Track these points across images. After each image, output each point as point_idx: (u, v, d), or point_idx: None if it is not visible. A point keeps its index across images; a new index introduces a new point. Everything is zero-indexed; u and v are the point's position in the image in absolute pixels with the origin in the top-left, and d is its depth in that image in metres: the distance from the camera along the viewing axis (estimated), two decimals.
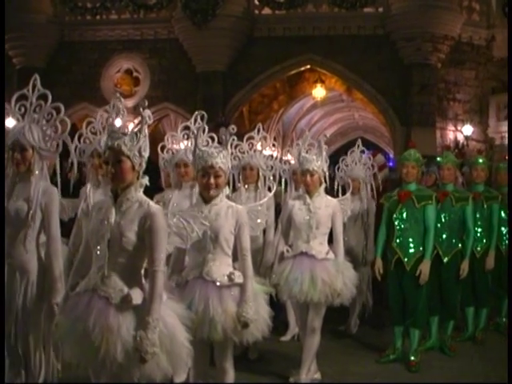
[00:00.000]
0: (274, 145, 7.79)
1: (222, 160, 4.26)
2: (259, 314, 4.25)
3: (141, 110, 3.47)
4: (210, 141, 5.00)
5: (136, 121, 3.57)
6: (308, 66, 20.48)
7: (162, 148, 6.15)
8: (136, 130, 3.47)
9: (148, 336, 3.26)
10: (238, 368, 4.55)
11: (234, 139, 6.03)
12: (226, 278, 4.26)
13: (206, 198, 4.31)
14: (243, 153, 6.41)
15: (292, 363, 5.90)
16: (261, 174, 6.38)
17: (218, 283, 4.23)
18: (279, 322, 7.27)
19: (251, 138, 6.43)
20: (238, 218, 4.30)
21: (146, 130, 3.51)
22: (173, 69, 20.46)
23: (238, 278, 4.28)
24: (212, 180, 4.24)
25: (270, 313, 4.39)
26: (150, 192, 4.15)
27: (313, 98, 22.57)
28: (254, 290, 4.30)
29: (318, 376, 5.78)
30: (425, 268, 6.21)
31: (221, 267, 4.28)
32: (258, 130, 6.50)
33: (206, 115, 4.96)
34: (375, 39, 19.33)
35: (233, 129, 4.73)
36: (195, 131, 4.57)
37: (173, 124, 21.95)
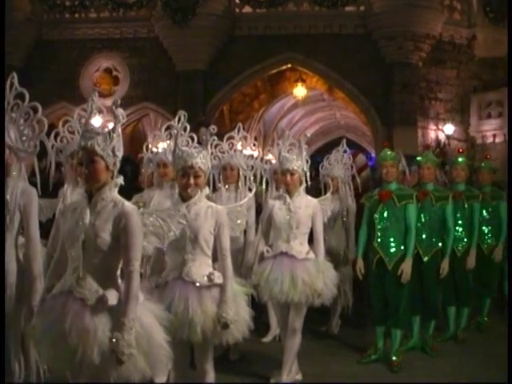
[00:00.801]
0: (254, 144, 7.77)
1: (202, 160, 4.28)
2: (239, 314, 4.26)
3: (113, 108, 3.46)
4: (190, 141, 5.00)
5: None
6: (289, 65, 20.51)
7: (147, 147, 6.17)
8: (109, 129, 3.46)
9: (124, 337, 3.25)
10: (218, 369, 4.55)
11: (214, 139, 6.04)
12: (205, 278, 4.26)
13: (186, 198, 4.32)
14: (223, 153, 6.41)
15: (273, 364, 5.91)
16: (241, 173, 6.38)
17: (197, 284, 4.24)
18: (260, 322, 7.28)
19: (231, 137, 6.43)
20: (217, 218, 4.31)
21: (120, 129, 3.50)
22: (153, 68, 20.39)
23: (218, 278, 4.28)
24: (191, 180, 4.27)
25: (250, 313, 4.39)
26: (128, 192, 4.14)
27: (294, 97, 22.60)
28: (234, 291, 4.30)
29: (299, 377, 5.78)
30: (406, 267, 6.24)
31: (200, 268, 4.29)
32: (239, 130, 6.50)
33: (186, 115, 4.96)
34: (357, 38, 19.40)
35: (213, 129, 4.74)
36: (177, 131, 4.57)
37: (153, 124, 21.90)
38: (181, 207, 4.21)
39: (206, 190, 4.44)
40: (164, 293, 4.19)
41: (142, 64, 20.59)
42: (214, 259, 4.40)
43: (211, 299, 4.22)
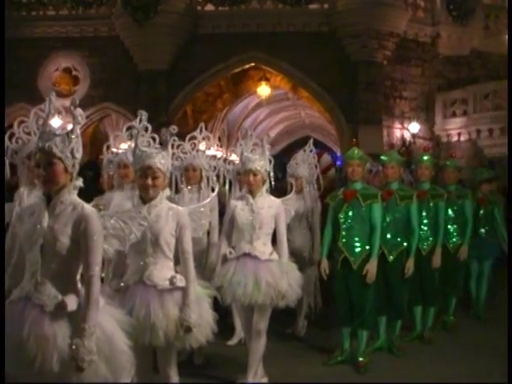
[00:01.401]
0: (218, 144, 7.78)
1: (161, 161, 4.27)
2: (202, 318, 4.25)
3: (72, 108, 3.41)
4: (151, 141, 4.96)
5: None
6: (252, 64, 20.50)
7: (107, 148, 6.10)
8: (68, 130, 3.42)
9: (84, 344, 3.22)
10: (183, 374, 4.54)
11: (174, 139, 6.00)
12: (167, 282, 4.25)
13: (146, 200, 4.30)
14: (186, 153, 6.38)
15: (238, 367, 5.90)
16: (204, 174, 6.35)
17: (159, 288, 4.22)
18: (225, 325, 7.28)
19: (194, 137, 6.41)
20: (178, 219, 4.30)
21: (79, 130, 3.46)
22: (114, 67, 20.21)
23: (180, 281, 4.27)
24: (149, 181, 4.25)
25: (214, 316, 4.39)
26: (90, 194, 4.10)
27: (258, 96, 22.62)
28: (196, 294, 4.30)
29: (265, 380, 5.79)
30: (372, 267, 6.28)
31: (162, 271, 4.28)
32: (201, 130, 6.48)
33: (146, 115, 4.92)
34: (321, 36, 19.47)
35: (173, 129, 4.71)
36: (138, 131, 4.53)
37: (114, 124, 21.73)
38: (141, 209, 4.18)
39: (167, 192, 4.43)
40: (125, 297, 4.17)
41: (102, 63, 20.40)
42: (177, 262, 4.38)
43: (173, 303, 4.20)
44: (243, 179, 5.96)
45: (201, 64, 19.80)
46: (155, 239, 4.25)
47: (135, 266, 4.32)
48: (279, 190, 6.00)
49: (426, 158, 7.57)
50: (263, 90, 21.51)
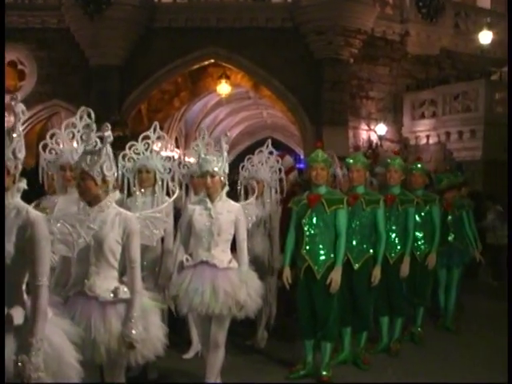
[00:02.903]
0: (173, 145, 7.70)
1: (87, 162, 4.12)
2: (149, 332, 4.15)
3: (12, 104, 3.34)
4: (98, 141, 4.81)
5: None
6: (212, 61, 20.51)
7: (44, 147, 5.92)
8: (8, 128, 3.34)
9: (31, 360, 3.15)
10: None
11: (122, 138, 5.92)
12: (110, 293, 4.15)
13: (92, 204, 4.21)
14: (138, 154, 6.31)
15: (195, 382, 5.86)
16: (158, 177, 6.29)
17: (101, 299, 4.12)
18: (181, 338, 7.25)
19: (147, 137, 6.34)
20: (126, 225, 4.19)
21: (21, 128, 3.39)
22: (63, 62, 20.02)
23: (124, 293, 4.17)
24: (81, 183, 4.16)
25: (165, 330, 4.31)
26: (30, 197, 4.01)
27: (217, 94, 22.63)
28: (144, 306, 4.19)
29: None
30: (336, 276, 6.26)
31: (105, 281, 4.18)
32: (155, 129, 6.41)
33: (89, 112, 4.81)
34: (284, 32, 19.56)
35: (107, 126, 4.44)
36: (81, 130, 4.43)
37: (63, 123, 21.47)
38: (88, 216, 4.11)
39: (116, 195, 4.33)
40: (65, 309, 3.98)
41: (51, 58, 20.19)
42: (124, 272, 4.31)
43: (116, 316, 4.10)
44: (200, 182, 5.92)
45: (157, 60, 19.73)
46: (99, 247, 4.13)
47: (77, 275, 4.22)
48: (229, 194, 5.92)
49: (396, 161, 7.61)
50: (223, 88, 21.52)
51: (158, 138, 6.34)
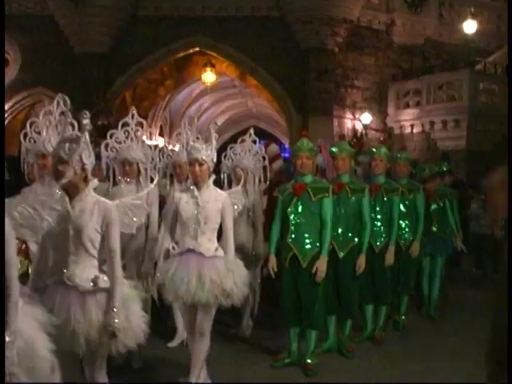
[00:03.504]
0: (152, 132, 7.63)
1: (65, 150, 4.03)
2: (130, 321, 4.11)
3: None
4: (71, 128, 4.69)
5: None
6: (197, 49, 20.44)
7: (25, 136, 5.86)
8: None
9: (5, 354, 3.08)
10: (120, 378, 4.50)
11: (107, 126, 5.86)
12: (89, 282, 4.10)
13: (70, 193, 4.13)
14: (120, 143, 6.24)
15: (180, 370, 5.84)
16: (141, 167, 6.24)
17: (80, 289, 4.08)
18: (166, 326, 7.25)
19: (126, 124, 6.25)
20: (105, 214, 4.11)
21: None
22: (47, 49, 19.89)
23: (104, 282, 4.12)
24: (59, 172, 4.05)
25: (145, 318, 4.27)
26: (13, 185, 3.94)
27: (203, 83, 22.55)
28: (124, 296, 4.15)
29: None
30: (321, 264, 6.28)
31: (84, 271, 4.12)
32: (133, 116, 6.26)
33: (67, 99, 4.70)
34: (270, 21, 19.52)
35: (85, 113, 4.35)
36: (57, 117, 4.32)
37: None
38: (63, 202, 4.04)
39: (95, 184, 4.20)
40: (43, 299, 3.95)
41: (34, 45, 20.03)
42: (105, 260, 4.22)
43: (96, 306, 4.06)
44: (188, 170, 5.85)
45: (142, 48, 19.66)
46: (77, 236, 4.07)
47: (56, 264, 4.15)
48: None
49: (382, 150, 7.63)
50: (208, 77, 21.47)
51: (138, 124, 6.26)
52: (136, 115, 6.27)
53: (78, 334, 3.94)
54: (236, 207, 6.09)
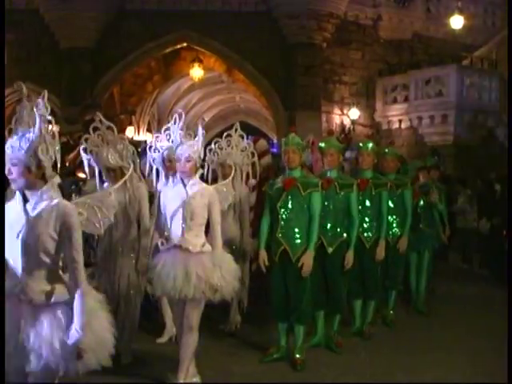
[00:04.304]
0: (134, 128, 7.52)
1: (20, 149, 3.67)
2: (96, 337, 3.69)
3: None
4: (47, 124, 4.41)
5: None
6: (185, 44, 20.35)
7: (10, 132, 5.80)
8: None
9: None
10: (110, 373, 4.47)
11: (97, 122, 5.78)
12: (43, 296, 3.64)
13: (24, 194, 3.72)
14: (97, 146, 6.03)
15: (169, 366, 5.85)
16: (124, 170, 6.09)
17: (34, 303, 3.64)
18: (155, 322, 7.26)
19: (96, 129, 5.96)
20: (64, 219, 3.62)
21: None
22: (33, 44, 19.71)
23: (60, 296, 3.68)
24: (12, 170, 3.66)
25: (113, 334, 3.84)
26: None
27: (190, 78, 22.49)
28: (89, 308, 3.68)
29: (197, 380, 5.74)
30: (307, 259, 6.29)
31: (40, 283, 3.67)
32: (100, 120, 6.01)
33: (45, 93, 4.53)
34: (257, 16, 19.46)
35: (45, 107, 4.12)
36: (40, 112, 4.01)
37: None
38: (24, 206, 3.68)
39: (55, 182, 3.77)
40: None
41: (20, 40, 19.81)
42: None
43: (50, 322, 3.60)
44: (176, 165, 5.80)
45: (129, 43, 19.54)
46: (29, 245, 3.62)
47: (9, 277, 3.66)
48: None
49: (369, 144, 7.64)
50: (196, 72, 21.39)
51: (108, 128, 6.03)
52: (103, 118, 6.02)
53: (27, 352, 3.54)
54: (226, 200, 6.09)
